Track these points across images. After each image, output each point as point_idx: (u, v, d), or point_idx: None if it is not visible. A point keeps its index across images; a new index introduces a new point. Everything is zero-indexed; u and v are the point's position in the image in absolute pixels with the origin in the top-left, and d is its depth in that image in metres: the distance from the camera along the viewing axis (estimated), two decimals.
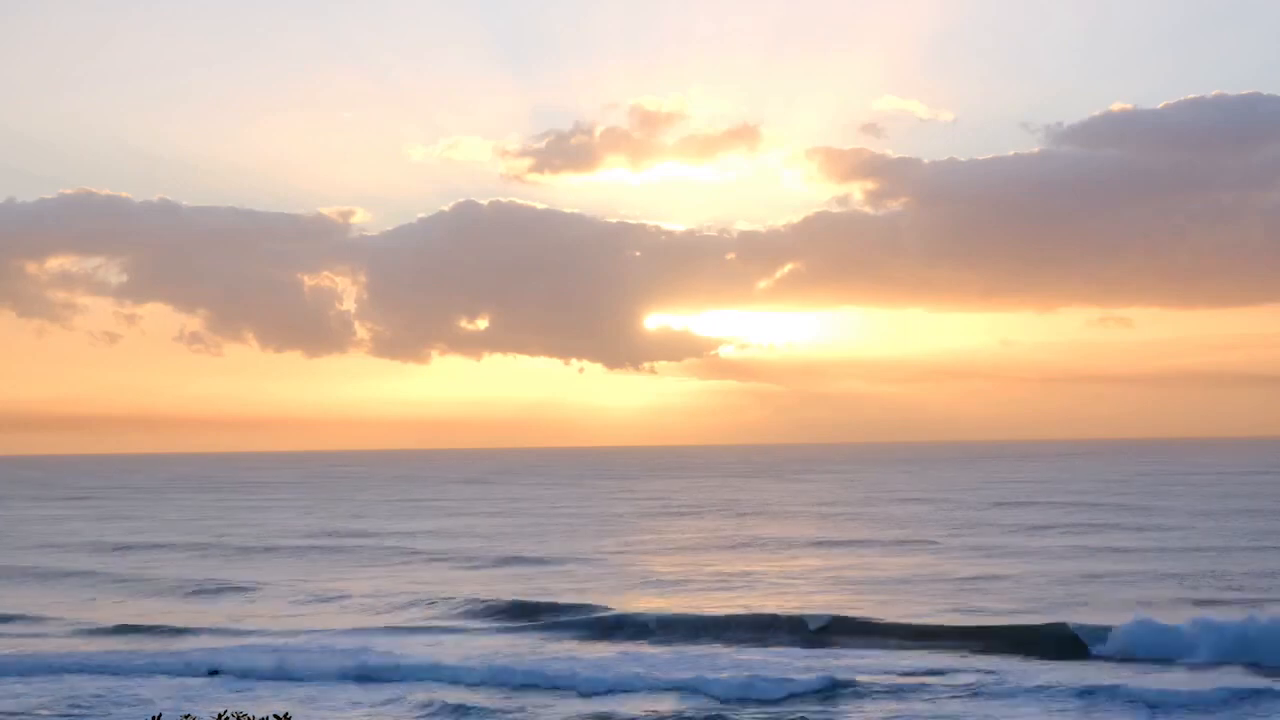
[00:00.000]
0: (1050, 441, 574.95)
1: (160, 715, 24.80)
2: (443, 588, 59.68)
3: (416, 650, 43.44)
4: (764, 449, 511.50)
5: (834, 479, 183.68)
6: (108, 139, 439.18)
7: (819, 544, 77.52)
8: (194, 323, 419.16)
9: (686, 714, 34.59)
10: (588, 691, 37.39)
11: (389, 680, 39.66)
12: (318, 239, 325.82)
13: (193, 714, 31.25)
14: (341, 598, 57.57)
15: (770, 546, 76.93)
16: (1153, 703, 34.50)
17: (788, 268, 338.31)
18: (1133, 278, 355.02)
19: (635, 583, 60.24)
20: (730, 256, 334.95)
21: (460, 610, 53.21)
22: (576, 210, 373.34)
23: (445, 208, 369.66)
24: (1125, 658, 41.41)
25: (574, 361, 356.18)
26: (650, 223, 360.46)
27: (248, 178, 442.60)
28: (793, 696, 36.27)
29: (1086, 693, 35.68)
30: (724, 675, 38.04)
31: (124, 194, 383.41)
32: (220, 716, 19.06)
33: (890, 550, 72.90)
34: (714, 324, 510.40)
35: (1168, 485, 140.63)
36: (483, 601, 54.34)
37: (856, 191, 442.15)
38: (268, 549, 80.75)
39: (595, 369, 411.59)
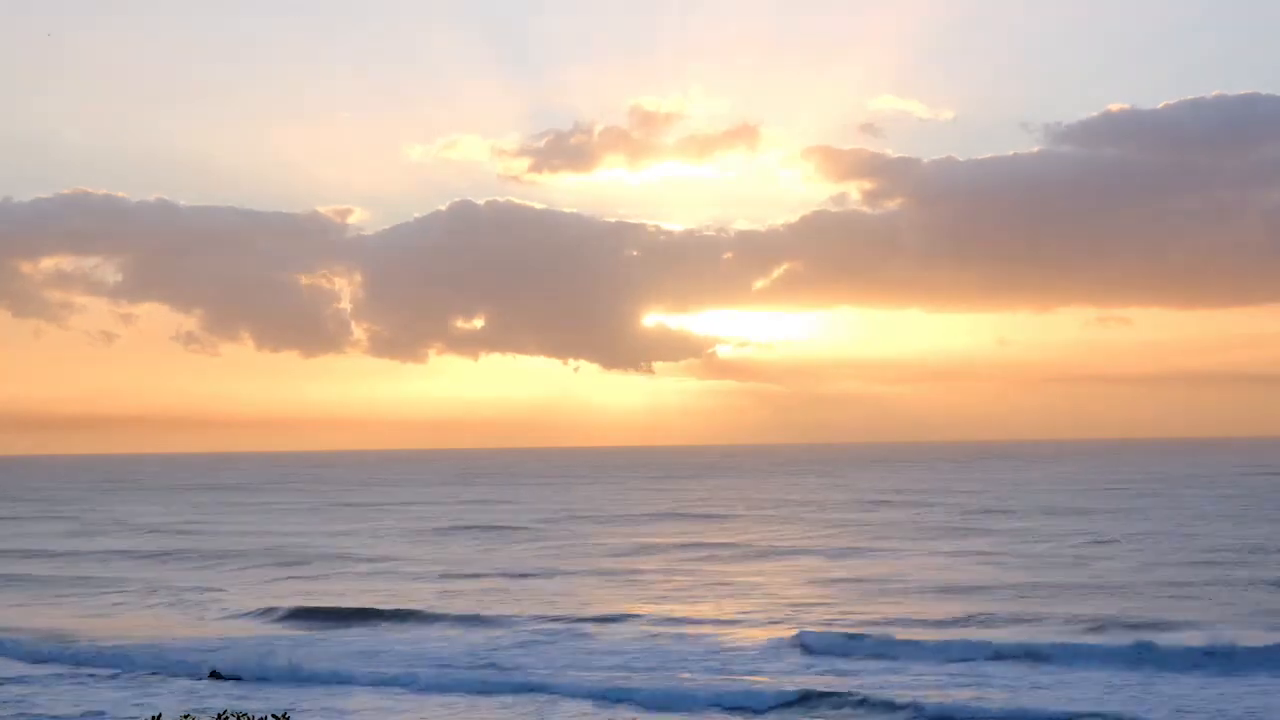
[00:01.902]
0: (1048, 442, 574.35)
1: (160, 715, 24.74)
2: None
3: None
4: (762, 450, 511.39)
5: (707, 482, 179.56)
6: (104, 139, 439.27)
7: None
8: (190, 322, 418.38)
9: None
10: None
11: None
12: (314, 238, 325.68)
13: (192, 714, 31.11)
14: None
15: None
16: None
17: (785, 267, 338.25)
18: (1132, 277, 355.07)
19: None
20: (728, 256, 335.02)
21: None
22: (574, 210, 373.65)
23: (442, 207, 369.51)
24: None
25: (571, 361, 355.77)
26: (648, 222, 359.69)
27: (244, 177, 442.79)
28: None
29: None
30: None
31: (120, 194, 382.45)
32: (220, 716, 18.93)
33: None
34: (711, 324, 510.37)
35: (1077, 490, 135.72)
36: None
37: (854, 191, 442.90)
38: None
39: (592, 369, 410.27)
